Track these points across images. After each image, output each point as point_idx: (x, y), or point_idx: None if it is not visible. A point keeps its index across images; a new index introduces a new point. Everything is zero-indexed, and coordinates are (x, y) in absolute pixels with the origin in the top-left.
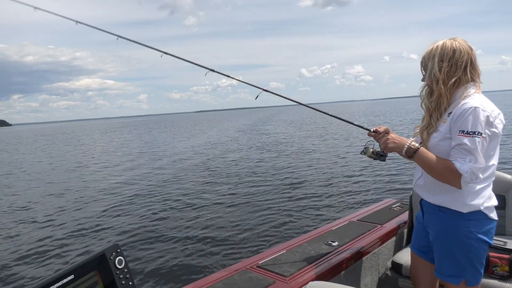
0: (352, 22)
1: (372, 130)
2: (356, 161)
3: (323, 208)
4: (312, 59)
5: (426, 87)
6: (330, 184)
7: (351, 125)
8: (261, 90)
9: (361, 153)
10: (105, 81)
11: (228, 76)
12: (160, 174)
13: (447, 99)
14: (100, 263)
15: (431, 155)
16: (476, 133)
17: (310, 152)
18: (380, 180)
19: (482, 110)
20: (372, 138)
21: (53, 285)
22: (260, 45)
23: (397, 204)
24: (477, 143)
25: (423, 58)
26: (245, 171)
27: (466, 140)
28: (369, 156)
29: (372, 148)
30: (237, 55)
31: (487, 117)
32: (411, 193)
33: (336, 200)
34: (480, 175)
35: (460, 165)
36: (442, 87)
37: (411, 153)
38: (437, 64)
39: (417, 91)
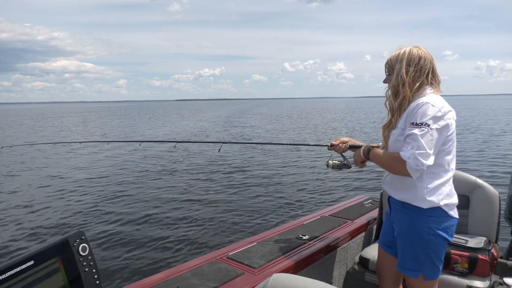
0: (335, 19)
1: (329, 144)
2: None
3: (297, 203)
4: (295, 53)
5: (391, 88)
6: (305, 179)
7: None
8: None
9: (326, 168)
10: (83, 63)
11: (237, 143)
12: (132, 162)
13: (409, 101)
14: (62, 250)
15: (380, 151)
16: (424, 124)
17: (286, 150)
18: (354, 177)
19: (432, 105)
20: (333, 151)
21: (11, 270)
22: (244, 36)
23: (369, 201)
24: (424, 133)
25: (389, 61)
26: (218, 164)
27: (414, 130)
28: (333, 168)
29: (332, 161)
30: (221, 45)
31: (436, 111)
32: (381, 191)
33: (310, 196)
34: (424, 161)
35: (403, 152)
36: (408, 89)
37: (366, 153)
38: (404, 68)
39: None
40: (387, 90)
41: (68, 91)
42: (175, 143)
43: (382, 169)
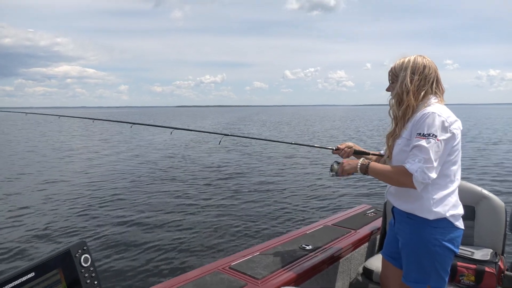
0: (336, 28)
1: (335, 148)
2: (330, 163)
3: (299, 211)
4: (296, 61)
5: (395, 96)
6: (306, 187)
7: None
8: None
9: (330, 173)
10: (85, 69)
11: (239, 136)
12: (133, 170)
13: (413, 109)
14: (64, 261)
15: (382, 166)
16: (431, 135)
17: (288, 155)
18: (356, 185)
19: (438, 115)
20: (337, 155)
21: (12, 282)
22: (245, 44)
23: (372, 210)
24: (431, 144)
25: (393, 68)
26: (220, 172)
27: (421, 142)
28: (337, 173)
29: (337, 165)
30: (222, 52)
31: (443, 122)
32: (385, 200)
33: (311, 204)
34: (431, 174)
35: (410, 165)
36: (412, 98)
37: (365, 169)
38: (409, 76)
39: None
40: (391, 99)
41: (69, 96)
42: (172, 129)
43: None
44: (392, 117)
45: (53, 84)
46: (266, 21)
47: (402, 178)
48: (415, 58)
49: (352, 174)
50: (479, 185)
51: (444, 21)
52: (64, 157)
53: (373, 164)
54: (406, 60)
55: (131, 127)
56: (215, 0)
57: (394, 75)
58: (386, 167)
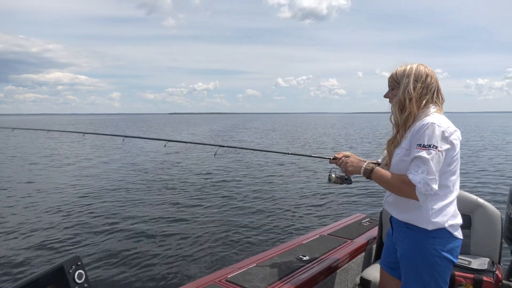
0: (328, 37)
1: (332, 157)
2: (326, 173)
3: (294, 221)
4: (288, 69)
5: (397, 103)
6: (300, 196)
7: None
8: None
9: (327, 182)
10: (77, 76)
11: (236, 147)
12: (126, 181)
13: (414, 117)
14: (57, 277)
15: (386, 172)
16: (432, 146)
17: (283, 164)
18: (349, 194)
19: (438, 126)
20: (334, 165)
21: None
22: (238, 52)
23: (367, 220)
24: (432, 155)
25: (395, 74)
26: (214, 182)
27: (422, 153)
28: (335, 182)
29: (335, 174)
30: (215, 60)
31: (443, 132)
32: (381, 209)
33: (306, 213)
34: (434, 186)
35: (413, 176)
36: (415, 105)
37: (368, 173)
38: (412, 84)
39: (389, 108)
40: (392, 105)
41: (60, 103)
42: (166, 141)
43: (378, 188)
44: (394, 123)
45: (44, 91)
46: (259, 29)
47: (405, 188)
48: (417, 66)
49: (352, 174)
50: (472, 193)
51: (434, 31)
52: (54, 167)
53: (378, 170)
54: (409, 67)
55: (123, 140)
56: (209, 8)
57: (395, 81)
58: (390, 175)
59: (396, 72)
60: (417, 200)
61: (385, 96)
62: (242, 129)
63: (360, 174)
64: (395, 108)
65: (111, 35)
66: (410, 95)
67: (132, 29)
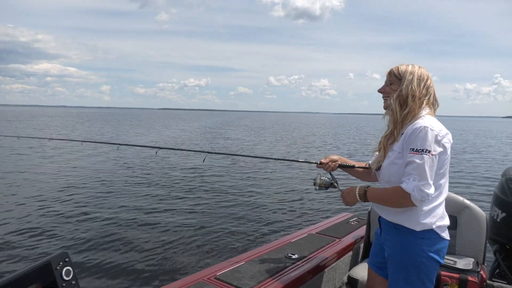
0: (321, 37)
1: (318, 162)
2: (314, 172)
3: (282, 219)
4: (280, 68)
5: (399, 97)
6: (289, 195)
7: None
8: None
9: (313, 187)
10: (66, 67)
11: (223, 154)
12: (116, 180)
13: (413, 116)
14: (43, 274)
15: (379, 190)
16: (425, 150)
17: (271, 166)
18: (338, 193)
19: (431, 129)
20: (321, 170)
21: None
22: (231, 49)
23: (354, 219)
24: (425, 160)
25: (397, 71)
26: (204, 182)
27: (415, 158)
28: (320, 187)
29: (320, 179)
30: (207, 56)
31: (436, 136)
32: (369, 209)
33: (294, 211)
34: (428, 191)
35: (406, 184)
36: (417, 103)
37: (363, 197)
38: (416, 81)
39: (379, 109)
40: (392, 100)
41: (49, 94)
42: (157, 149)
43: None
44: (392, 118)
45: (32, 82)
46: (252, 27)
47: (401, 200)
48: (419, 67)
49: (352, 205)
50: (457, 193)
51: (425, 35)
52: (43, 163)
53: (371, 192)
54: (411, 66)
55: (117, 148)
56: (202, 4)
57: (396, 76)
58: (383, 190)
59: (398, 67)
60: (417, 206)
61: (381, 90)
62: (232, 126)
63: (357, 199)
64: (395, 102)
65: (103, 28)
66: (413, 92)
67: (124, 23)
